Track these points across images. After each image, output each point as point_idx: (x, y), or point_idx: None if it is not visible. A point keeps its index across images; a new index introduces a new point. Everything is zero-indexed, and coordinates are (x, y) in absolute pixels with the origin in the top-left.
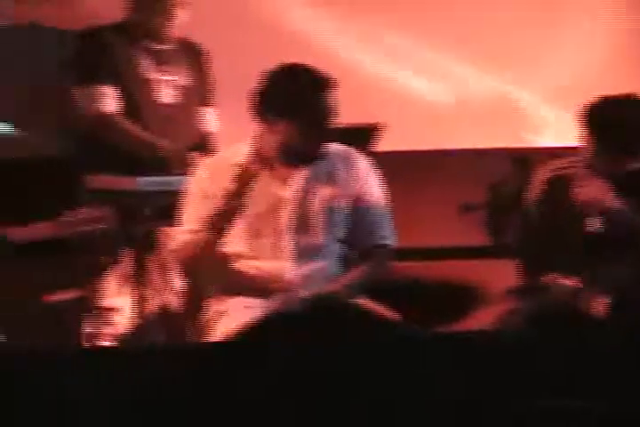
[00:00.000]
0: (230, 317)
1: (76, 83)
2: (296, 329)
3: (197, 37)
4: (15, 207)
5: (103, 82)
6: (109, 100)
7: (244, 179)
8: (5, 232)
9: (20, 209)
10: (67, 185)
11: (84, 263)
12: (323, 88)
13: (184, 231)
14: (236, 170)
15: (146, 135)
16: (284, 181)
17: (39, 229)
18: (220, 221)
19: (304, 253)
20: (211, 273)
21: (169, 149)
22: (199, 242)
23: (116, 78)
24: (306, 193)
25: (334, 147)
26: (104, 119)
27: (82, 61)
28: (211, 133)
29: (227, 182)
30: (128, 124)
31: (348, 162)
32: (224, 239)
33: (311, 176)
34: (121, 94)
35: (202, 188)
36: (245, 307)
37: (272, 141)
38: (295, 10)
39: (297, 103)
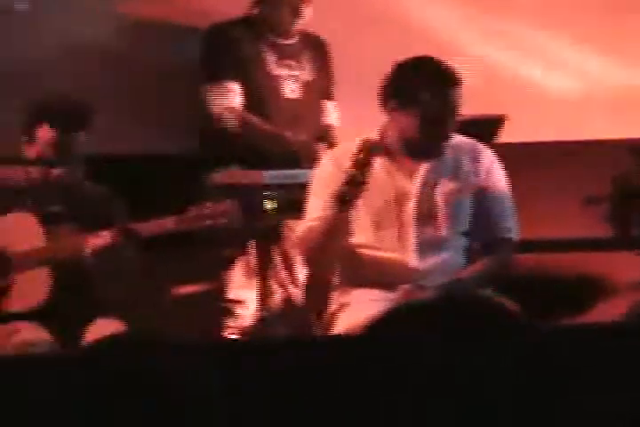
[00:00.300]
0: (354, 309)
1: (203, 79)
2: (420, 322)
3: (319, 30)
4: (143, 202)
5: (230, 78)
6: (236, 97)
7: (364, 164)
8: (134, 227)
9: (148, 204)
10: (193, 180)
11: (210, 257)
12: (449, 82)
13: (308, 220)
14: (357, 155)
15: (273, 129)
16: (409, 173)
17: (166, 224)
18: (342, 208)
19: (428, 246)
20: (335, 263)
21: (296, 142)
22: (323, 230)
23: (242, 74)
24: (430, 186)
25: (459, 139)
26: (231, 115)
27: (209, 58)
28: (333, 126)
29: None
30: (255, 119)
31: (472, 154)
32: (347, 228)
33: (436, 169)
34: (246, 90)
35: (326, 178)
36: (369, 299)
37: (397, 133)
38: (419, 1)
39: (423, 96)
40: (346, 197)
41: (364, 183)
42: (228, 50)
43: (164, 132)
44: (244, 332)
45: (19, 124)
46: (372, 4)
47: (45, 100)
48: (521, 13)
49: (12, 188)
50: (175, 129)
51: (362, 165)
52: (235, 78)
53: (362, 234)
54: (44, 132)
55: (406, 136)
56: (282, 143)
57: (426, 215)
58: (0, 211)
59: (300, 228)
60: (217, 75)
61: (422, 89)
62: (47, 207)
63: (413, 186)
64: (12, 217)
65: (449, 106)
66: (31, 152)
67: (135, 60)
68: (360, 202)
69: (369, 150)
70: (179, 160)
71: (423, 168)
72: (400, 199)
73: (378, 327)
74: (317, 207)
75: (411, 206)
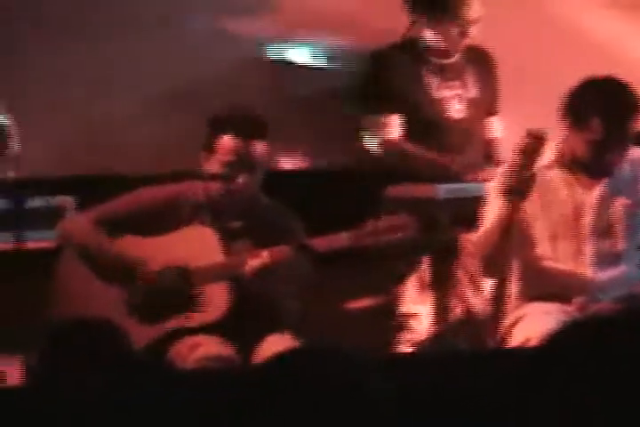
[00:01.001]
0: (529, 322)
1: (363, 110)
2: (596, 336)
3: (488, 42)
4: (318, 217)
5: (389, 110)
6: (396, 128)
7: (532, 152)
8: (310, 242)
9: (324, 219)
10: (368, 194)
11: (383, 270)
12: (626, 109)
13: (485, 225)
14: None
15: (435, 157)
16: (586, 186)
17: (342, 239)
18: (512, 201)
19: (605, 259)
20: (512, 272)
21: (461, 167)
22: (497, 229)
23: (404, 103)
24: (608, 200)
25: (637, 152)
26: (391, 147)
27: (368, 90)
28: (497, 140)
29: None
30: (416, 149)
31: None
32: (521, 227)
33: (614, 182)
34: (410, 117)
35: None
36: (545, 312)
37: (570, 151)
38: (594, 14)
39: (596, 120)
40: (514, 189)
41: (532, 174)
42: (388, 79)
43: (340, 146)
44: (419, 346)
45: (197, 138)
46: (539, 14)
47: (226, 112)
48: None
49: (191, 202)
50: (351, 143)
51: (528, 153)
52: (395, 109)
53: (539, 245)
54: (227, 142)
55: (578, 155)
56: (444, 171)
57: (603, 229)
58: (179, 224)
59: (477, 234)
60: (375, 107)
61: (597, 113)
62: (226, 222)
63: (591, 199)
64: (190, 231)
65: (622, 133)
66: (212, 165)
67: (312, 74)
68: (538, 214)
69: (534, 139)
70: (353, 174)
71: (602, 181)
72: (577, 212)
73: (553, 341)
74: (494, 215)
75: (588, 219)
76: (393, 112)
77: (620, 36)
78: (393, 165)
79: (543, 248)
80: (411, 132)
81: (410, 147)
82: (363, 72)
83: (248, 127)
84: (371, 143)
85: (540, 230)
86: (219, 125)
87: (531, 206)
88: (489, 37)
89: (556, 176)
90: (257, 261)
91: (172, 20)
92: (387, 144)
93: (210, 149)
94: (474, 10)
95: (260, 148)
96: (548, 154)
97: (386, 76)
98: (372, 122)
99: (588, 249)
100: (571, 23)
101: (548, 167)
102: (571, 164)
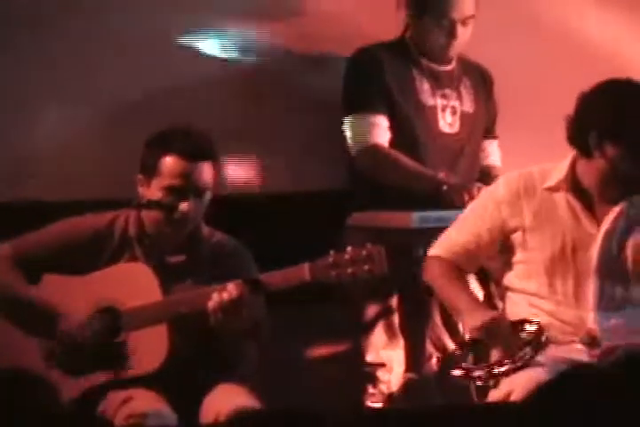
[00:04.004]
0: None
1: (345, 109)
2: (594, 390)
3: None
4: (272, 246)
5: (376, 111)
6: (381, 131)
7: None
8: (262, 278)
9: (278, 248)
10: (331, 222)
11: (347, 312)
12: None
13: (449, 237)
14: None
15: (422, 168)
16: (597, 216)
17: (299, 273)
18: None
19: (610, 302)
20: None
21: (449, 183)
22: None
23: (390, 105)
24: (619, 233)
25: None
26: (375, 152)
27: (354, 86)
28: (495, 168)
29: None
30: (401, 157)
31: None
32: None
33: (629, 213)
34: (395, 123)
35: (496, 199)
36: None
37: (590, 171)
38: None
39: (624, 123)
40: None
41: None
42: (375, 77)
43: (302, 166)
44: (388, 400)
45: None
46: (536, 29)
47: (168, 130)
48: None
49: (120, 234)
50: (316, 163)
51: (536, 347)
52: (381, 110)
53: (533, 280)
54: (170, 163)
55: (603, 175)
56: (433, 185)
57: (610, 267)
58: (108, 261)
59: (433, 249)
60: (361, 106)
61: (621, 115)
62: (164, 257)
63: (600, 231)
64: (121, 268)
65: None
66: (151, 191)
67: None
68: (534, 243)
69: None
70: (316, 198)
71: (614, 212)
72: (580, 245)
73: (544, 394)
74: (468, 228)
75: (593, 255)
76: (378, 112)
77: (621, 40)
78: (376, 173)
79: (539, 285)
80: (396, 140)
81: (399, 155)
82: (346, 70)
83: (194, 147)
84: (354, 148)
85: (536, 263)
86: (160, 145)
87: (532, 235)
88: (484, 54)
89: (562, 200)
90: (224, 295)
91: None
92: (372, 149)
93: (149, 172)
94: (463, 8)
95: (207, 170)
96: (556, 173)
97: (370, 72)
98: (358, 123)
99: (592, 290)
100: (569, 32)
101: (554, 189)
102: (585, 188)
